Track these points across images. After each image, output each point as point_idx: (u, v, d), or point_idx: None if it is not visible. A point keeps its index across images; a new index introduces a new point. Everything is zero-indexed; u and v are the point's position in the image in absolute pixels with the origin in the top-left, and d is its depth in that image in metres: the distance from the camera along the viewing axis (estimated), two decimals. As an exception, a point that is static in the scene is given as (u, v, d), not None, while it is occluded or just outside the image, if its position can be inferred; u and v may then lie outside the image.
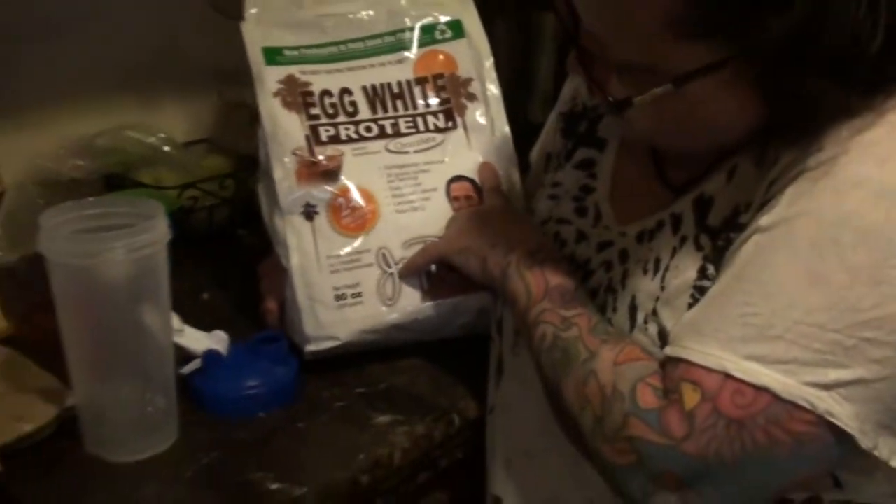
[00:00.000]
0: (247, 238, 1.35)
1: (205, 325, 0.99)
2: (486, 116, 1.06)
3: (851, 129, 0.66)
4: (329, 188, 0.99)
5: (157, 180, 1.29)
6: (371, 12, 1.06)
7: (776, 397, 0.64)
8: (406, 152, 1.02)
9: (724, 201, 0.75)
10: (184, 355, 0.93)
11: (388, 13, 1.07)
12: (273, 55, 1.02)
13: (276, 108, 1.00)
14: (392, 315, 0.99)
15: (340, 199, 0.99)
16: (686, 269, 0.74)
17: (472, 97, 1.06)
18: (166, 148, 1.32)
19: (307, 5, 1.06)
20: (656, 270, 0.77)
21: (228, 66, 1.42)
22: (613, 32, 0.68)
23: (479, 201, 1.01)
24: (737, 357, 0.65)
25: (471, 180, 1.02)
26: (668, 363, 0.69)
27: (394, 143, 1.02)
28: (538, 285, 0.81)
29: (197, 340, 0.95)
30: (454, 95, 1.05)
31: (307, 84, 1.02)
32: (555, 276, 0.81)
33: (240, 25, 1.03)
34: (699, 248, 0.75)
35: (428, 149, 1.03)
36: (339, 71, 1.04)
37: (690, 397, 0.66)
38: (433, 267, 0.99)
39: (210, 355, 0.93)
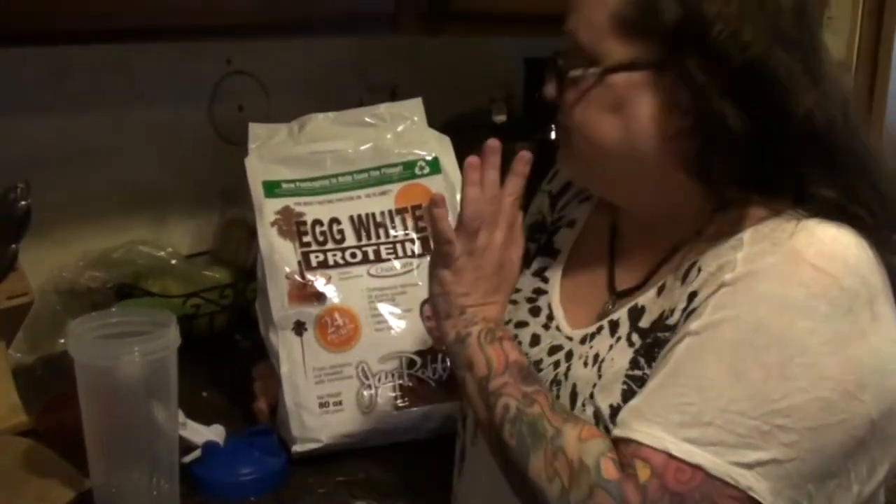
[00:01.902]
0: (242, 342, 1.48)
1: (204, 420, 1.12)
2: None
3: (755, 254, 0.82)
4: (317, 308, 1.12)
5: (164, 289, 1.43)
6: (360, 149, 1.20)
7: (708, 474, 0.77)
8: (385, 276, 1.15)
9: (653, 309, 0.90)
10: (186, 445, 1.05)
11: (374, 150, 1.21)
12: (272, 188, 1.17)
13: (273, 236, 1.14)
14: (369, 422, 1.12)
15: (327, 319, 1.12)
16: (619, 360, 0.89)
17: None
18: (173, 261, 1.48)
19: (303, 141, 1.20)
20: (595, 363, 0.91)
21: (229, 187, 1.60)
22: (579, 27, 0.86)
23: None
24: (676, 439, 0.78)
25: None
26: (620, 442, 0.82)
27: (375, 268, 1.16)
28: (499, 359, 0.91)
29: (198, 433, 1.08)
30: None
31: (301, 214, 1.16)
32: (512, 353, 0.92)
33: (244, 159, 1.18)
34: (631, 344, 0.89)
35: (405, 273, 1.16)
36: (329, 202, 1.17)
37: (643, 472, 0.79)
38: (406, 380, 1.12)
39: (209, 446, 1.06)
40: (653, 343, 0.87)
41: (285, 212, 1.15)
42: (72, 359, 0.94)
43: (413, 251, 1.18)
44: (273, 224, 1.15)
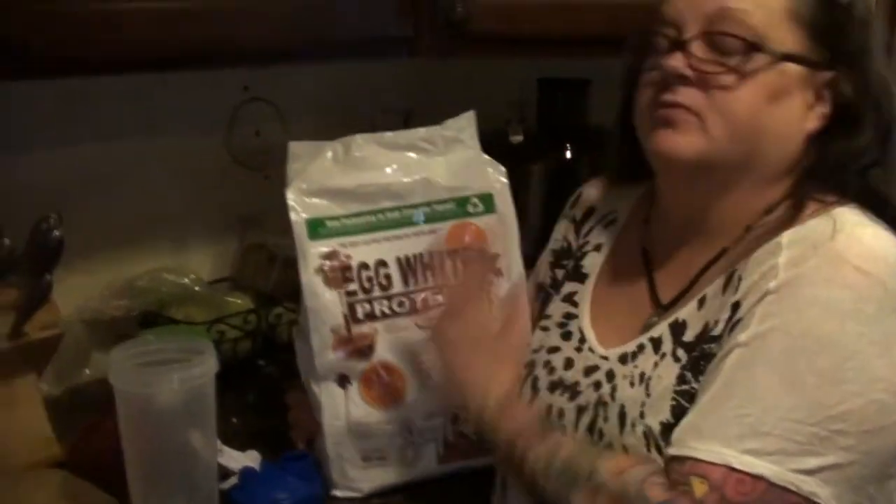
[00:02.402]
0: (267, 367, 1.48)
1: (235, 445, 1.12)
2: (510, 292, 1.10)
3: (796, 258, 0.83)
4: (362, 364, 1.07)
5: (187, 316, 1.43)
6: (407, 180, 1.09)
7: (770, 483, 0.77)
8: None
9: (696, 323, 0.90)
10: (223, 472, 1.05)
11: (424, 183, 1.10)
12: (316, 228, 1.06)
13: (318, 285, 1.06)
14: (411, 473, 1.10)
15: (372, 375, 1.07)
16: (666, 377, 0.89)
17: (498, 272, 1.10)
18: (196, 288, 1.48)
19: (349, 169, 1.09)
20: (641, 382, 0.92)
21: (248, 212, 1.61)
22: (750, 7, 0.87)
23: None
24: (736, 452, 0.79)
25: None
26: (674, 461, 0.82)
27: (422, 318, 1.07)
28: (515, 425, 0.91)
29: (234, 459, 1.08)
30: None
31: (347, 257, 1.06)
32: (525, 414, 0.94)
33: (285, 189, 1.08)
34: (677, 360, 0.90)
35: None
36: (375, 241, 1.08)
37: (699, 488, 0.79)
38: (449, 435, 1.10)
39: (246, 472, 1.07)
40: (699, 356, 0.87)
41: (331, 256, 1.06)
42: (105, 388, 0.94)
43: None
44: (318, 271, 1.06)
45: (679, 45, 0.89)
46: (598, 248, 1.09)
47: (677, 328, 0.92)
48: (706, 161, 0.89)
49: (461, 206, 1.10)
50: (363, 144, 1.10)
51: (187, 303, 1.46)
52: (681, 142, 0.89)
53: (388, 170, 1.09)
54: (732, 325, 0.85)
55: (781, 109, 0.88)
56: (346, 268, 1.07)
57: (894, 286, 0.81)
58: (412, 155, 1.11)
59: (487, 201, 1.12)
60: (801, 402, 0.78)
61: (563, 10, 1.40)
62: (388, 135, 1.11)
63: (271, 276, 1.54)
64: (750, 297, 0.84)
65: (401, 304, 1.08)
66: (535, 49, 1.46)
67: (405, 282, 1.08)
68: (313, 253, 1.06)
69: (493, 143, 1.17)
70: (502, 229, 1.12)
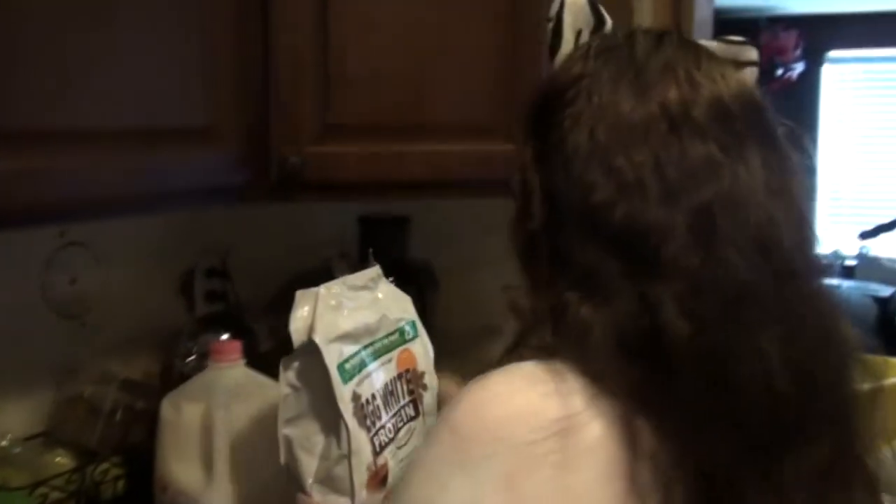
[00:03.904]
0: (93, 528, 1.40)
1: None
2: (433, 401, 1.23)
3: None
4: (380, 495, 1.11)
5: (4, 481, 1.33)
6: (376, 317, 1.19)
7: None
8: (401, 447, 1.16)
9: None
10: None
11: (383, 319, 1.20)
12: (342, 372, 1.11)
13: (356, 429, 1.10)
14: None
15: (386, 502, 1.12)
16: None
17: (425, 387, 1.23)
18: (16, 449, 1.38)
19: (338, 315, 1.14)
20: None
21: (64, 362, 1.54)
22: None
23: None
24: None
25: None
26: None
27: (398, 442, 1.16)
28: None
29: None
30: (416, 387, 1.22)
31: (359, 396, 1.12)
32: None
33: (313, 337, 1.09)
34: None
35: (408, 441, 1.18)
36: (366, 377, 1.14)
37: None
38: None
39: None
40: None
41: (355, 398, 1.11)
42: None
43: (410, 415, 1.19)
44: (354, 415, 1.10)
45: None
46: None
47: None
48: None
49: (402, 334, 1.23)
50: (339, 291, 1.16)
51: (3, 465, 1.36)
52: None
53: (362, 310, 1.18)
54: None
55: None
56: (362, 405, 1.12)
57: (467, 434, 0.72)
58: (367, 294, 1.21)
59: (414, 327, 1.27)
60: None
61: (388, 157, 1.47)
62: (350, 278, 1.20)
63: (96, 430, 1.47)
64: None
65: (389, 431, 1.15)
66: (363, 192, 1.52)
67: (387, 410, 1.16)
68: (347, 397, 1.10)
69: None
70: (423, 349, 1.26)
